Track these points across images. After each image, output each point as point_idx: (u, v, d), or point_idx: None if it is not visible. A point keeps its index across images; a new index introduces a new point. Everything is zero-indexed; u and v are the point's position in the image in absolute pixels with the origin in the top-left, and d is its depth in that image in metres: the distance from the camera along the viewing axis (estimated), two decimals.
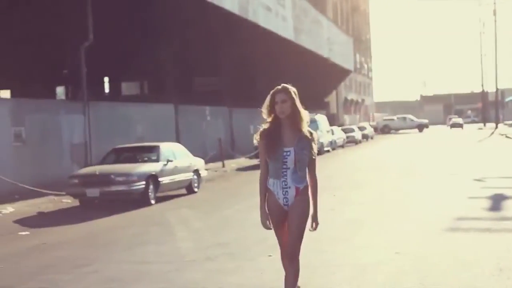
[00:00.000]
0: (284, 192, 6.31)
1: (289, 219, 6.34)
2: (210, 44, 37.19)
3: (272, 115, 6.36)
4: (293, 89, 6.38)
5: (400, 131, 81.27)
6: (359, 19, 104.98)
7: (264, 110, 6.41)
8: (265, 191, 6.41)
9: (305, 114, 6.36)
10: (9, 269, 10.50)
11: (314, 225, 6.45)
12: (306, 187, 6.38)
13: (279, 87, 6.40)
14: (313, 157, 6.37)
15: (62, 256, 11.28)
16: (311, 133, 6.40)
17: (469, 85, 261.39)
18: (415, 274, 8.53)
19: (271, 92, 6.39)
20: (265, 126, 6.41)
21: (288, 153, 6.25)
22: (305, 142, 6.31)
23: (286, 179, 6.28)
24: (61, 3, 26.68)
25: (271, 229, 6.45)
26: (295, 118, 6.31)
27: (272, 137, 6.30)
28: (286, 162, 6.25)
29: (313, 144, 6.35)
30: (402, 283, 8.14)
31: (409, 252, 9.94)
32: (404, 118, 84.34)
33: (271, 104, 6.34)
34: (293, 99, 6.31)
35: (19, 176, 21.06)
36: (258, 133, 6.41)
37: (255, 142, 6.44)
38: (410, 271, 8.70)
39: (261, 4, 41.44)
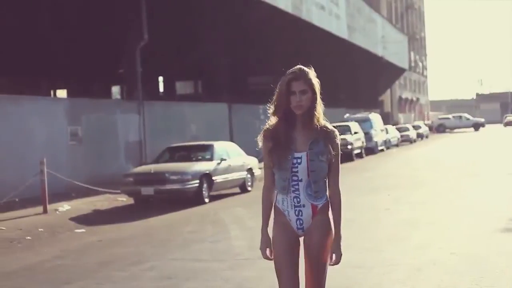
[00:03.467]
0: (297, 212, 4.77)
1: (306, 248, 4.79)
2: (264, 43, 37.26)
3: (282, 111, 4.75)
4: (313, 74, 4.76)
5: (456, 130, 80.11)
6: (413, 17, 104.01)
7: (273, 104, 4.83)
8: (269, 210, 4.95)
9: (321, 108, 4.78)
10: (66, 265, 10.67)
11: (334, 258, 4.77)
12: (326, 204, 4.79)
13: (296, 69, 4.77)
14: (335, 162, 4.74)
15: (118, 253, 11.43)
16: (330, 131, 4.76)
17: None
18: (470, 275, 8.43)
19: (284, 79, 4.75)
20: (270, 123, 4.81)
21: (299, 160, 4.65)
22: (322, 145, 4.69)
23: (299, 194, 4.71)
24: (117, 3, 27.01)
25: (271, 259, 4.94)
26: (311, 113, 4.71)
27: (280, 138, 4.70)
28: (297, 172, 4.66)
29: (334, 145, 4.73)
30: (457, 284, 8.05)
31: (464, 252, 9.84)
32: (460, 117, 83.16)
33: (285, 95, 4.70)
34: (314, 88, 4.69)
35: (75, 174, 21.33)
36: (262, 132, 4.83)
37: (258, 144, 4.87)
38: (465, 272, 8.60)
39: (314, 3, 41.37)
